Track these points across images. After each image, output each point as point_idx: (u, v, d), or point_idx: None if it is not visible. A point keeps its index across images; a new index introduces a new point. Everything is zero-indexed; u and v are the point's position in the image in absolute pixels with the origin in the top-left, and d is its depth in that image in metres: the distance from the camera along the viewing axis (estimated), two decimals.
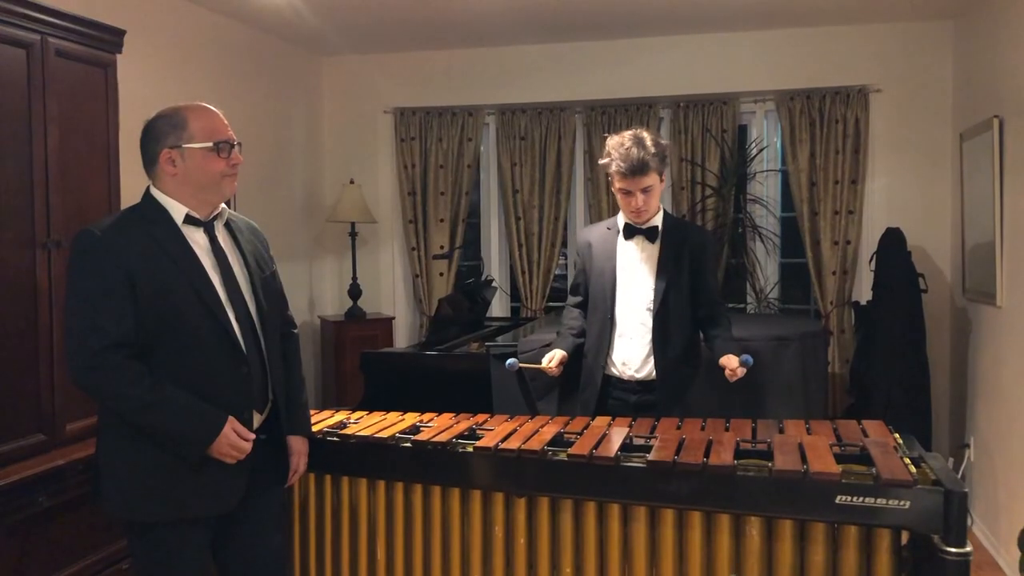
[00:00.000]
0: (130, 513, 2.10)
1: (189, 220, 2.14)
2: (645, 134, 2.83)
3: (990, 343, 4.10)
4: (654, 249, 2.93)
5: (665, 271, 2.89)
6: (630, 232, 2.95)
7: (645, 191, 2.83)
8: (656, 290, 2.88)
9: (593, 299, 3.00)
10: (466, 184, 5.58)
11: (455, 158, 5.55)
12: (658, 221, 2.94)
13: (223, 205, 2.25)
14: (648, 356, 2.90)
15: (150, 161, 2.14)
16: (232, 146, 2.15)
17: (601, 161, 2.90)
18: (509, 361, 3.01)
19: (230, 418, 2.09)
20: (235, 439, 2.08)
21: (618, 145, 2.81)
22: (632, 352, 2.92)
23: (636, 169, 2.78)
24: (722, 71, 5.12)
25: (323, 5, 4.52)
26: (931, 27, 4.82)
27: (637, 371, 2.91)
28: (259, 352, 2.20)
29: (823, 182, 4.99)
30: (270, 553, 2.31)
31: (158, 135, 2.11)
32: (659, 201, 2.94)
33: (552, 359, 2.94)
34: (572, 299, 3.15)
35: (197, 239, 2.15)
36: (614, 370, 2.95)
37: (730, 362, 2.79)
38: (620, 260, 2.95)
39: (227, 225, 2.26)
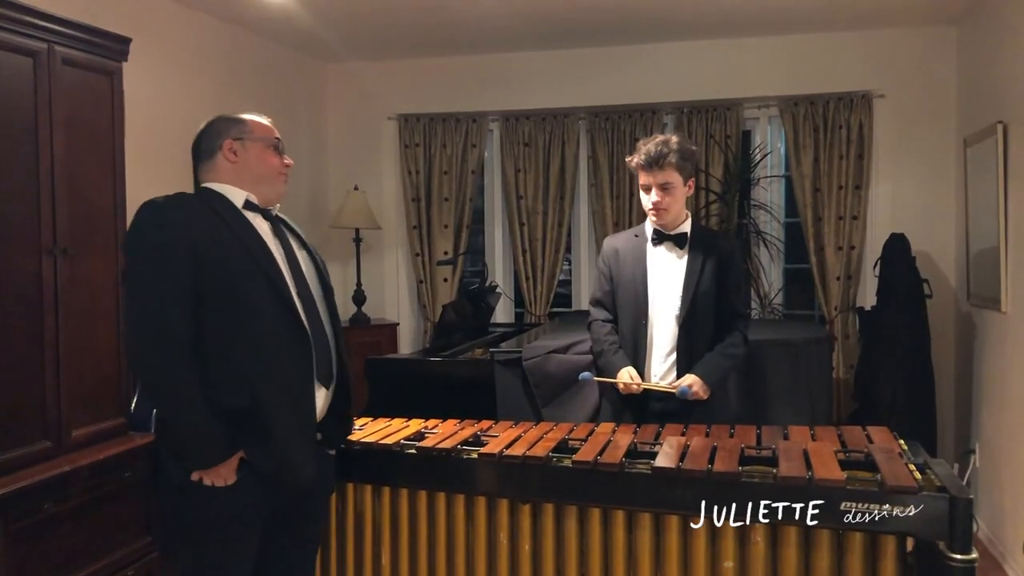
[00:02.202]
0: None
1: (248, 206, 2.19)
2: (675, 136, 2.87)
3: (995, 348, 4.10)
4: (682, 257, 2.90)
5: (692, 279, 2.86)
6: (658, 239, 2.93)
7: (664, 188, 2.82)
8: (683, 298, 2.85)
9: (623, 306, 2.95)
10: (470, 190, 5.58)
11: (459, 164, 5.57)
12: (686, 228, 2.92)
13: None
14: (673, 364, 2.87)
15: (208, 154, 2.20)
16: (284, 149, 2.30)
17: (627, 158, 2.93)
18: (584, 375, 2.97)
19: (237, 454, 2.07)
20: (229, 473, 2.06)
21: (645, 142, 2.86)
22: (657, 359, 2.90)
23: (654, 161, 2.80)
24: (726, 77, 5.13)
25: (327, 12, 4.54)
26: (935, 33, 4.82)
27: (661, 379, 2.88)
28: (322, 331, 2.22)
29: (827, 188, 4.99)
30: (311, 545, 2.35)
31: (220, 130, 2.22)
32: (683, 206, 2.90)
33: (629, 375, 2.83)
34: (600, 313, 3.03)
35: (258, 223, 2.20)
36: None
37: (690, 381, 2.77)
38: (651, 266, 2.92)
39: (282, 219, 2.32)
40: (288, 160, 2.30)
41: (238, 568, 2.13)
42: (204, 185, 2.21)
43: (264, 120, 2.29)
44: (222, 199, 2.16)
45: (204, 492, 2.06)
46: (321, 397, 2.21)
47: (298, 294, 2.18)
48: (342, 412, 2.32)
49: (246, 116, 2.26)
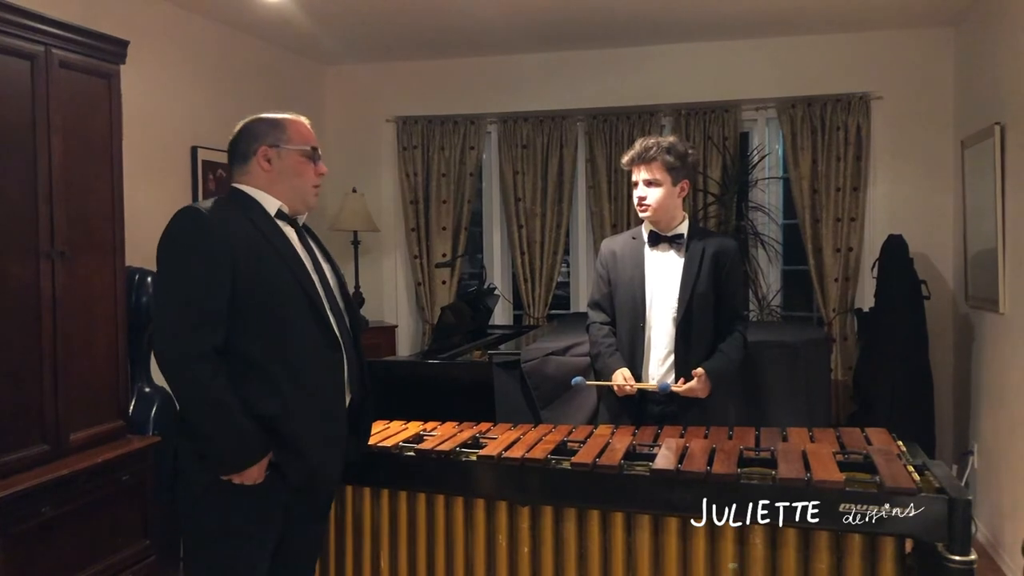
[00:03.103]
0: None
1: (279, 215, 2.19)
2: (672, 137, 2.91)
3: (993, 350, 4.10)
4: (679, 258, 2.91)
5: (689, 280, 2.86)
6: (655, 240, 2.94)
7: (649, 184, 2.84)
8: (680, 299, 2.85)
9: (620, 308, 2.95)
10: (468, 192, 5.59)
11: (457, 166, 5.57)
12: (683, 229, 2.93)
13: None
14: (671, 366, 2.87)
15: (242, 158, 2.19)
16: (318, 158, 2.25)
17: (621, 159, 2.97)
18: (576, 379, 2.96)
19: (267, 456, 2.06)
20: (255, 473, 2.05)
21: (637, 141, 2.91)
22: (655, 361, 2.90)
23: (638, 156, 2.85)
24: (724, 79, 5.14)
25: (325, 15, 4.54)
26: (932, 34, 4.83)
27: (660, 381, 2.88)
28: (351, 341, 2.24)
29: (825, 189, 4.99)
30: (308, 553, 2.34)
31: (257, 134, 2.18)
32: (671, 203, 2.88)
33: (623, 377, 2.83)
34: (598, 316, 3.03)
35: (288, 233, 2.20)
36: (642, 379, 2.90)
37: (696, 375, 2.78)
38: (648, 269, 2.92)
39: (307, 228, 2.33)
40: (322, 168, 2.27)
41: (257, 570, 2.12)
42: (237, 187, 2.20)
43: (303, 122, 2.26)
44: (257, 206, 2.16)
45: (229, 494, 2.05)
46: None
47: (328, 304, 2.19)
48: (360, 421, 2.32)
49: (284, 118, 2.22)
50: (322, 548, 2.49)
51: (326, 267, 2.28)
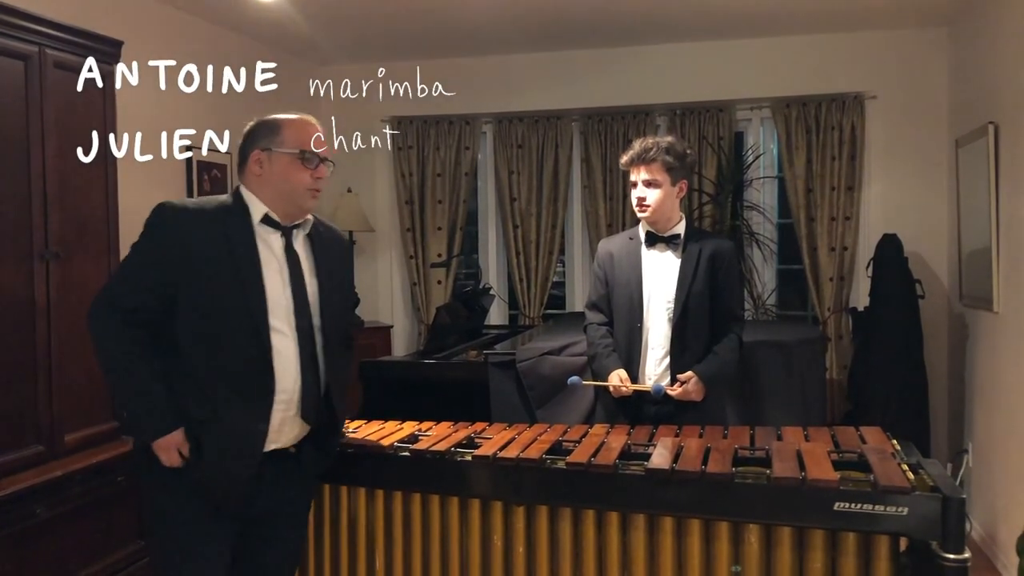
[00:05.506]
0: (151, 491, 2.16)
1: (267, 221, 2.15)
2: (670, 137, 2.92)
3: (987, 349, 4.11)
4: (675, 258, 2.91)
5: (685, 281, 2.86)
6: (651, 240, 2.93)
7: (648, 184, 2.84)
8: (676, 299, 2.85)
9: (618, 309, 2.95)
10: (464, 192, 5.59)
11: (453, 167, 5.57)
12: (680, 230, 2.93)
13: (311, 216, 2.27)
14: (667, 367, 2.87)
15: (242, 160, 2.19)
16: (321, 160, 2.18)
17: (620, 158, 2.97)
18: (572, 379, 2.96)
19: (177, 432, 2.06)
20: (171, 455, 2.07)
21: (636, 141, 2.90)
22: (652, 362, 2.90)
23: (638, 156, 2.84)
24: (718, 79, 5.14)
25: (320, 15, 4.54)
26: (926, 34, 4.84)
27: (656, 382, 2.87)
28: (315, 365, 2.18)
29: (820, 189, 5.00)
30: (281, 560, 2.31)
31: (254, 136, 2.17)
32: (669, 203, 2.89)
33: (619, 377, 2.84)
34: (595, 316, 3.02)
35: (272, 241, 2.16)
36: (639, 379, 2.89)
37: (686, 379, 2.78)
38: (645, 269, 2.92)
39: (309, 236, 2.26)
40: (321, 173, 2.18)
41: (203, 556, 2.12)
42: (238, 189, 2.20)
43: (306, 123, 2.20)
44: (243, 211, 2.14)
45: (156, 479, 2.10)
46: (296, 426, 2.19)
47: (297, 327, 2.13)
48: (323, 442, 2.28)
49: (283, 120, 2.18)
50: (299, 556, 2.46)
51: (312, 282, 2.20)
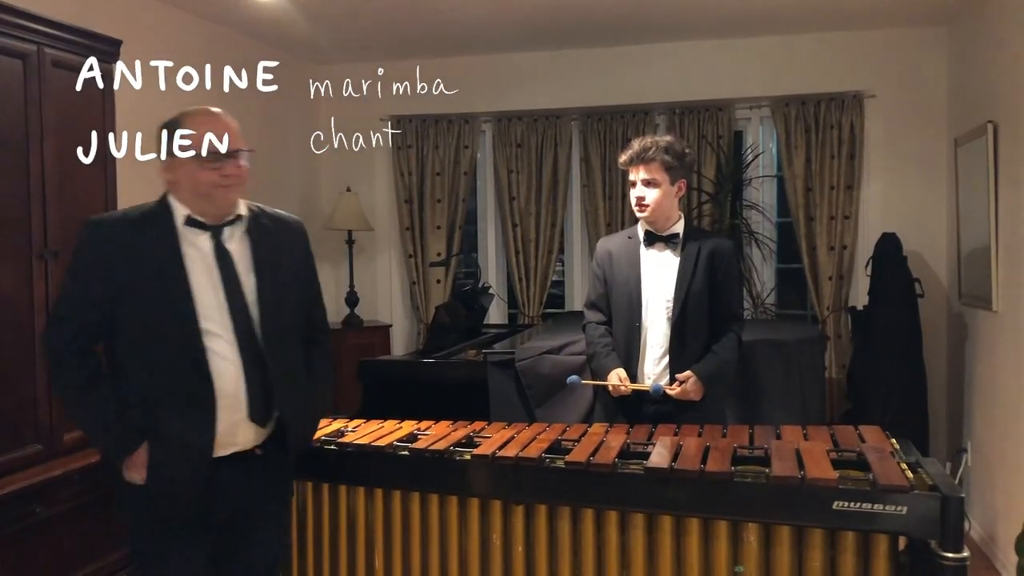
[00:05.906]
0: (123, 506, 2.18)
1: (192, 223, 2.10)
2: (670, 136, 2.92)
3: (986, 348, 4.11)
4: (674, 257, 2.91)
5: (684, 280, 2.86)
6: (650, 240, 2.93)
7: (647, 184, 2.84)
8: (675, 299, 2.85)
9: (617, 308, 2.95)
10: (463, 191, 5.58)
11: (452, 166, 5.56)
12: (679, 229, 2.93)
13: (251, 210, 2.20)
14: (666, 366, 2.87)
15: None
16: (225, 156, 2.05)
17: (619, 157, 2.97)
18: (571, 378, 2.96)
19: (141, 449, 2.06)
20: (140, 471, 2.06)
21: (635, 140, 2.90)
22: (651, 361, 2.90)
23: (637, 156, 2.84)
24: (717, 78, 5.14)
25: (319, 14, 4.53)
26: (925, 33, 4.84)
27: (655, 381, 2.87)
28: (261, 367, 2.11)
29: (819, 187, 5.00)
30: (265, 559, 2.29)
31: (160, 143, 2.07)
32: (668, 203, 2.88)
33: (618, 377, 2.83)
34: (594, 316, 3.02)
35: (200, 243, 2.10)
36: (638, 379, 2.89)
37: (684, 379, 2.78)
38: (644, 268, 2.92)
39: (248, 231, 2.17)
40: (230, 169, 2.06)
41: (176, 560, 2.11)
42: (165, 193, 2.14)
43: (205, 121, 2.07)
44: (167, 215, 2.10)
45: (124, 490, 2.12)
46: (252, 428, 2.14)
47: (235, 330, 2.08)
48: (284, 440, 2.21)
49: (185, 119, 2.07)
50: (285, 554, 2.46)
51: (250, 279, 2.13)
